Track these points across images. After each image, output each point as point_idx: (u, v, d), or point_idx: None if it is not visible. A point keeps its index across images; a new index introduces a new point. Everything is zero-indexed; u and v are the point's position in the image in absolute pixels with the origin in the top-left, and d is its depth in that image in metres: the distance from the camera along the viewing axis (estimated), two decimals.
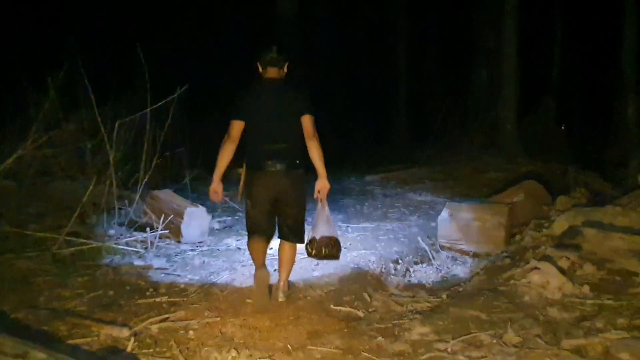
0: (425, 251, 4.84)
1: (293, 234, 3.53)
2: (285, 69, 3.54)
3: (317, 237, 3.46)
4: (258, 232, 3.53)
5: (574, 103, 13.11)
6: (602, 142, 11.40)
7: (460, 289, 3.86)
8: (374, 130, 15.31)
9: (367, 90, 16.63)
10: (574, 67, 13.15)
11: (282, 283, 3.56)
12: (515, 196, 5.45)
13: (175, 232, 5.04)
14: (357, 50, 16.74)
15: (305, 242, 3.53)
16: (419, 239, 4.99)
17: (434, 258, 4.76)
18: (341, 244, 3.57)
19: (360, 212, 6.34)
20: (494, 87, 12.82)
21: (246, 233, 3.66)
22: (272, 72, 3.48)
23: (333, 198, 7.23)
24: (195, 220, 5.09)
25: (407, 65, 15.66)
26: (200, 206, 5.21)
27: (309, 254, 3.53)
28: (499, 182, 7.85)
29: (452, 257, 4.87)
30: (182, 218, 5.01)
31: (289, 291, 3.59)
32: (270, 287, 3.53)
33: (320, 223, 3.49)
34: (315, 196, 3.47)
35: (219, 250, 4.85)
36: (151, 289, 3.78)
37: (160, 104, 5.66)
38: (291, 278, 3.69)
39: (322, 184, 3.43)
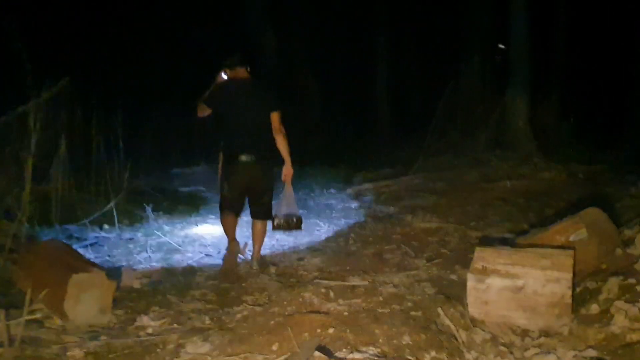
0: (451, 332, 3.08)
1: (263, 213, 4.12)
2: (249, 69, 4.03)
3: (282, 214, 4.21)
4: (230, 209, 4.10)
5: (582, 93, 11.43)
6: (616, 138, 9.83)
7: None
8: (354, 127, 13.65)
9: (345, 84, 14.98)
10: (581, 51, 11.49)
11: (256, 254, 4.13)
12: (572, 232, 3.72)
13: (56, 309, 3.20)
14: (334, 41, 15.11)
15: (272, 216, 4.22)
16: (440, 310, 3.23)
17: (465, 345, 3.01)
18: (302, 219, 4.37)
19: (344, 251, 4.57)
20: (489, 75, 11.41)
21: (218, 213, 4.26)
22: (240, 72, 4.00)
23: (307, 222, 5.49)
24: (90, 291, 3.25)
25: (387, 51, 14.01)
26: (99, 269, 3.34)
27: (274, 227, 4.24)
28: (519, 195, 6.19)
29: (492, 337, 3.12)
30: (66, 290, 3.16)
31: (262, 261, 4.15)
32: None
33: (285, 202, 4.22)
34: (282, 179, 4.13)
35: (123, 341, 3.02)
36: None
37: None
38: None
39: (287, 170, 4.06)
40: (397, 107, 14.38)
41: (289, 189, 4.20)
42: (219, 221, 4.30)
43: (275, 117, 3.91)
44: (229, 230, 4.11)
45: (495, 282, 3.26)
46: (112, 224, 5.61)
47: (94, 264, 3.41)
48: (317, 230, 5.22)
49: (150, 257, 4.64)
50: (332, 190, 7.25)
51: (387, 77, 14.06)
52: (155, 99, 12.17)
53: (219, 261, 4.35)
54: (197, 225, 5.68)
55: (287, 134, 4.01)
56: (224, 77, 4.00)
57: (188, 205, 6.68)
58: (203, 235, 5.25)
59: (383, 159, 10.60)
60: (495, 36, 11.47)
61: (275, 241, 4.88)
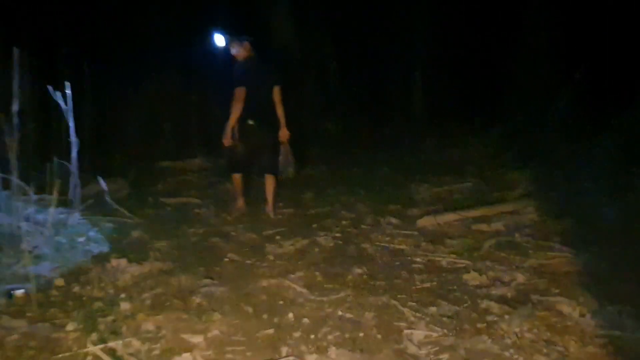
0: None
1: (270, 168, 5.07)
2: (250, 48, 4.93)
3: (281, 165, 5.17)
4: (238, 167, 5.08)
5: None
6: None
7: None
8: (376, 112, 11.06)
9: (370, 56, 12.31)
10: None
11: (270, 205, 5.10)
12: None
13: None
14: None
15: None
16: None
17: None
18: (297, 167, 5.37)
19: None
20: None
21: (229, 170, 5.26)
22: (243, 52, 4.91)
23: (376, 299, 3.00)
24: None
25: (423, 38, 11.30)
26: None
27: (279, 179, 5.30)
28: None
29: None
30: None
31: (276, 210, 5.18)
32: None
33: (282, 158, 5.13)
34: (280, 140, 5.05)
35: None
36: None
37: None
38: None
39: (283, 132, 5.01)
40: (434, 90, 11.71)
41: (285, 147, 5.11)
42: None
43: (277, 90, 4.93)
44: (237, 186, 5.13)
45: None
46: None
47: None
48: (407, 335, 2.66)
49: None
50: (392, 221, 4.67)
51: (425, 49, 11.35)
52: (141, 68, 9.54)
53: None
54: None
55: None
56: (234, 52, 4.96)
57: (170, 240, 4.15)
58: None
59: (435, 158, 8.04)
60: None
61: None
